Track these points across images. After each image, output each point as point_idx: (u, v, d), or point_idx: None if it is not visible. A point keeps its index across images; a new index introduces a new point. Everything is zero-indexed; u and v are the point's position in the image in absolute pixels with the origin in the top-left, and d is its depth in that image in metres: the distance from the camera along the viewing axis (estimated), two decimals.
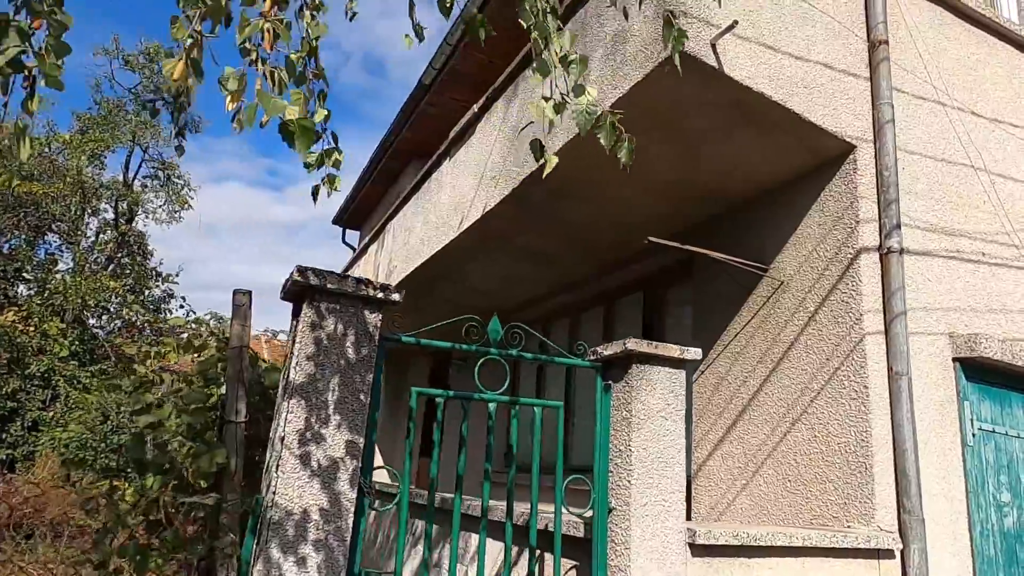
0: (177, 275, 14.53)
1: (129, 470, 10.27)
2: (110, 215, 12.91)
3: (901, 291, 3.51)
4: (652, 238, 3.94)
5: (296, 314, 2.33)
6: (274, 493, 2.03)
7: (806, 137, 3.76)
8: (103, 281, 11.19)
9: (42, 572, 6.77)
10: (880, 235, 3.65)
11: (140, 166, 12.87)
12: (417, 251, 6.96)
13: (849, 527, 3.33)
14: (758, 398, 4.07)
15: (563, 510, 2.90)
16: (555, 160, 2.16)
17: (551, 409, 2.99)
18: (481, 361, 2.68)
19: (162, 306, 13.93)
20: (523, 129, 4.88)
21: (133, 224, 13.01)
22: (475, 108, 5.84)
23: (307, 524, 2.04)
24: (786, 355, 3.93)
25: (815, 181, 3.99)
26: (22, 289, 12.34)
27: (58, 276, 11.40)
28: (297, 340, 2.18)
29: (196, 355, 6.95)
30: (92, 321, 12.69)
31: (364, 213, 15.17)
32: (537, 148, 2.21)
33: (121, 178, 12.85)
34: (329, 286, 2.23)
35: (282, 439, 2.08)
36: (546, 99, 2.08)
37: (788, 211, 4.14)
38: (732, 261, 4.10)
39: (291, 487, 2.06)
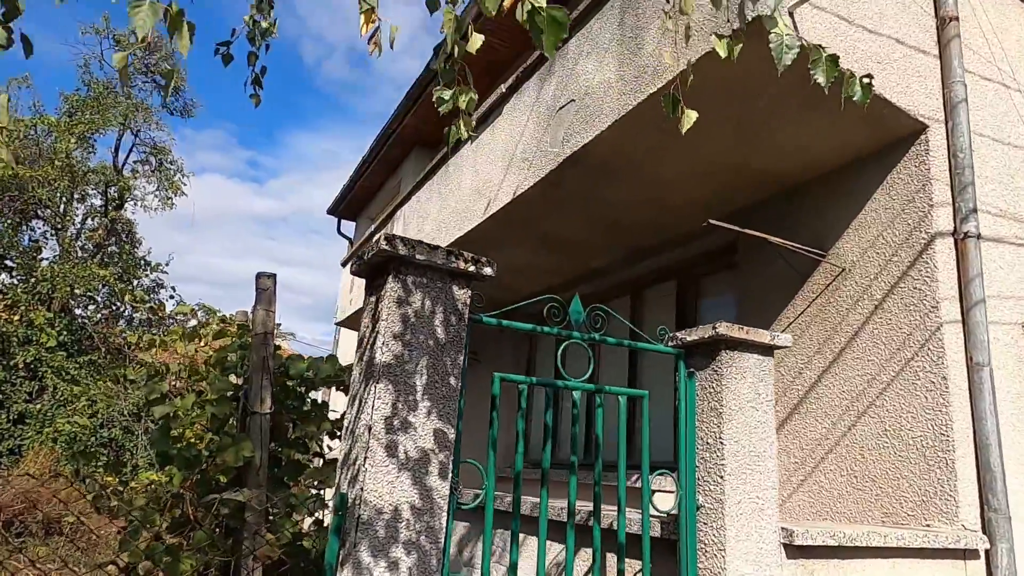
0: (167, 264, 14.12)
1: (126, 464, 9.81)
2: (98, 201, 12.47)
3: (980, 278, 3.34)
4: (713, 220, 3.73)
5: (375, 289, 2.07)
6: (362, 489, 1.78)
7: (877, 116, 3.57)
8: (92, 269, 10.74)
9: (38, 573, 6.43)
10: (955, 219, 3.47)
11: (131, 150, 12.44)
12: (433, 238, 6.70)
13: (928, 526, 3.16)
14: (816, 390, 3.89)
15: (637, 509, 2.68)
16: (694, 116, 1.93)
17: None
18: (564, 345, 2.44)
19: (151, 296, 13.49)
20: (562, 108, 4.65)
21: (122, 211, 12.55)
22: (503, 88, 5.60)
23: (398, 523, 1.79)
24: (849, 345, 3.75)
25: (880, 163, 3.81)
26: (4, 277, 11.86)
27: (44, 263, 10.95)
28: (382, 317, 1.93)
29: (201, 344, 6.62)
30: (79, 311, 12.25)
31: (361, 203, 14.85)
32: (671, 102, 1.97)
33: (110, 163, 12.37)
34: (419, 257, 1.98)
35: (369, 428, 1.83)
36: (719, 35, 1.85)
37: (849, 194, 3.95)
38: (792, 247, 3.91)
39: (380, 482, 1.81)
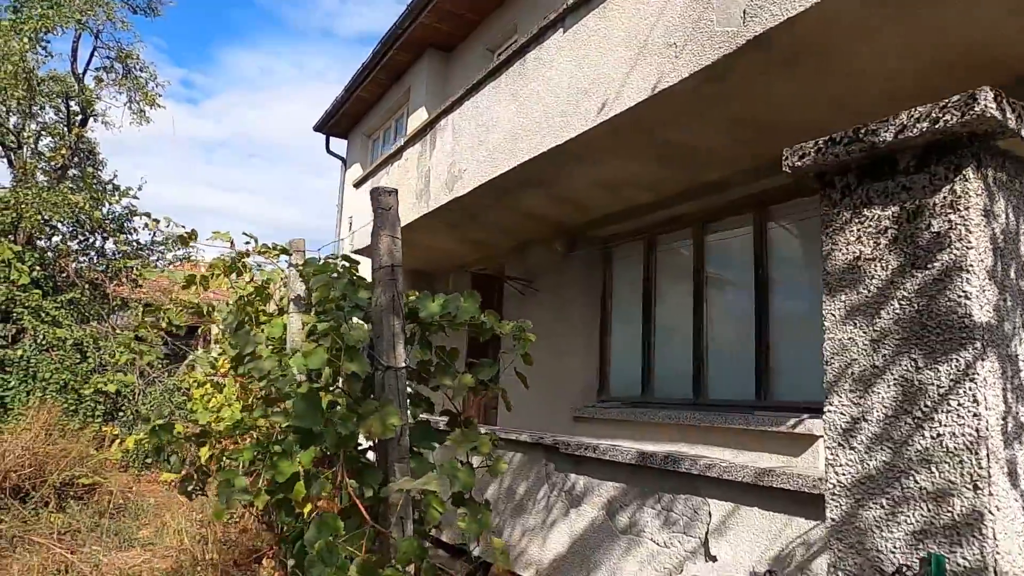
0: (140, 189, 12.55)
1: (125, 413, 8.69)
2: (51, 115, 10.70)
3: None
4: None
5: (913, 191, 1.20)
6: (995, 552, 0.99)
7: None
8: (64, 195, 9.29)
9: (62, 545, 5.55)
10: None
11: (92, 56, 10.56)
12: (508, 150, 5.71)
13: None
14: None
15: None
16: None
17: None
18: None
19: (126, 225, 12.05)
20: None
21: (87, 127, 10.86)
22: None
23: None
24: None
25: None
26: None
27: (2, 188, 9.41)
28: (968, 239, 1.08)
29: (247, 281, 5.64)
30: (41, 243, 10.82)
31: (356, 117, 13.46)
32: None
33: (68, 70, 10.56)
34: None
35: (985, 441, 1.03)
36: None
37: None
38: None
39: (1010, 536, 1.03)
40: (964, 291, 1.10)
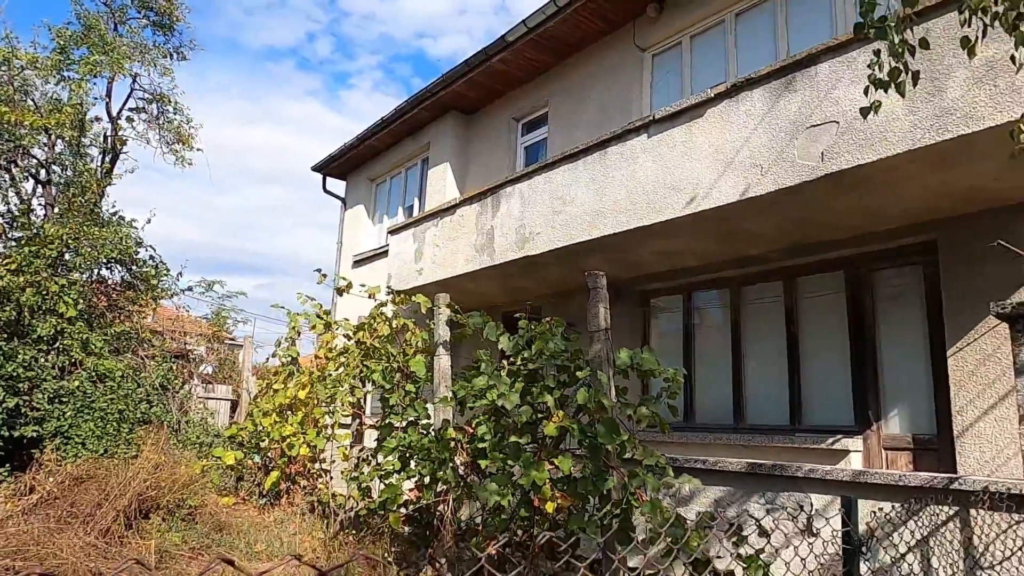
0: (148, 221, 12.87)
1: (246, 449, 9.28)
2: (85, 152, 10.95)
3: None
4: (1002, 242, 4.59)
5: None
6: None
7: None
8: (116, 231, 9.72)
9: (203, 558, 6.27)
10: None
11: (128, 98, 10.92)
12: (588, 223, 7.07)
13: None
14: None
15: None
16: None
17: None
18: None
19: (134, 256, 12.36)
20: (816, 126, 5.25)
21: (116, 165, 11.19)
22: (710, 93, 6.06)
23: None
24: None
25: None
26: None
27: (48, 223, 9.69)
28: None
29: (376, 327, 6.62)
30: (75, 275, 11.12)
31: (359, 162, 14.40)
32: None
33: (103, 111, 10.90)
34: None
35: None
36: None
37: None
38: None
39: None
40: None
